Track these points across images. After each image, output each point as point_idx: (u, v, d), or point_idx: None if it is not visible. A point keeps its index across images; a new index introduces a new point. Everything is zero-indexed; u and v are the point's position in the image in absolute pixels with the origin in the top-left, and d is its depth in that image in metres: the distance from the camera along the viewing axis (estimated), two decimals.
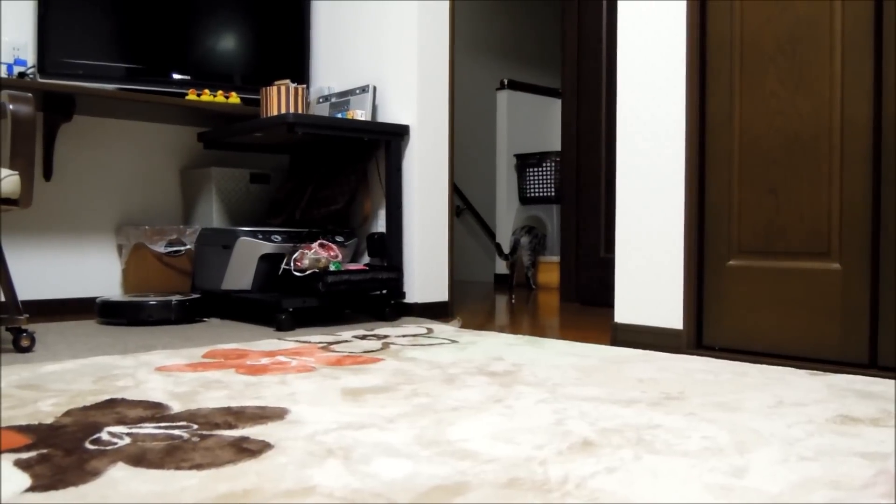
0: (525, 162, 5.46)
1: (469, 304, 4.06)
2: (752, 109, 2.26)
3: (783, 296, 2.19)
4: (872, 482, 1.05)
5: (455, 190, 5.13)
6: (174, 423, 1.41)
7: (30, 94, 2.25)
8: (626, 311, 2.55)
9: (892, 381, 1.86)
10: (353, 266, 3.17)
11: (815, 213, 2.13)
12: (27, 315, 2.45)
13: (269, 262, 3.14)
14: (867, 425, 1.43)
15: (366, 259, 3.47)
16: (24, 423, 1.41)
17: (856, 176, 2.05)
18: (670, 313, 2.43)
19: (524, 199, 5.52)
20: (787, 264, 2.19)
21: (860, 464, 1.18)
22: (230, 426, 1.39)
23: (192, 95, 3.36)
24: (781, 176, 2.19)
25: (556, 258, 4.86)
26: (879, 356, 2.01)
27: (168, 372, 1.95)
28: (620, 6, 2.55)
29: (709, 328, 2.36)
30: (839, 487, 1.07)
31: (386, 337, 2.64)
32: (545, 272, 5.11)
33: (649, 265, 2.48)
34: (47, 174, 3.30)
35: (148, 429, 1.37)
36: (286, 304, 2.89)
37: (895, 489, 0.96)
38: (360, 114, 3.27)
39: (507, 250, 5.31)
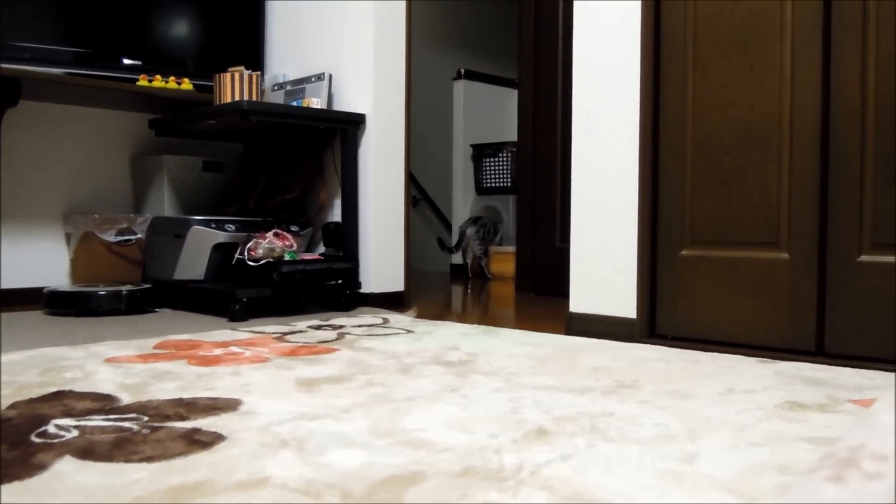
0: (481, 152, 5.47)
1: (425, 294, 4.06)
2: (705, 101, 2.29)
3: (734, 285, 2.22)
4: (819, 466, 1.07)
5: (411, 180, 5.12)
6: (124, 415, 1.39)
7: None
8: (581, 300, 2.58)
9: (838, 368, 1.91)
10: (308, 256, 3.15)
11: (765, 203, 2.16)
12: None
13: (222, 252, 3.11)
14: (814, 411, 1.46)
15: (321, 249, 3.45)
16: None
17: (804, 166, 2.08)
18: (624, 303, 2.46)
19: (480, 190, 5.53)
20: (739, 254, 2.22)
21: (807, 448, 1.21)
22: (181, 418, 1.37)
23: (143, 81, 3.29)
24: (733, 166, 2.22)
25: (512, 248, 4.88)
26: (826, 343, 2.05)
27: (118, 363, 1.92)
28: None
29: (662, 317, 2.39)
30: (787, 472, 1.09)
31: (341, 327, 2.63)
32: (501, 262, 5.13)
33: (604, 255, 2.50)
34: None
35: (96, 421, 1.34)
36: (240, 294, 2.86)
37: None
38: (316, 102, 3.25)
39: (454, 243, 5.30)
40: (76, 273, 3.36)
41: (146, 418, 1.37)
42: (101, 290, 2.99)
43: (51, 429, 1.29)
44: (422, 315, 3.07)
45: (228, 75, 3.16)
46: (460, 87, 5.65)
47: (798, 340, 2.10)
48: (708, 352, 2.16)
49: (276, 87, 3.53)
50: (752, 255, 2.19)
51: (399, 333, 2.48)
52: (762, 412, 1.45)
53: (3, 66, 3.02)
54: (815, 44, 2.06)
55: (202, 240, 3.09)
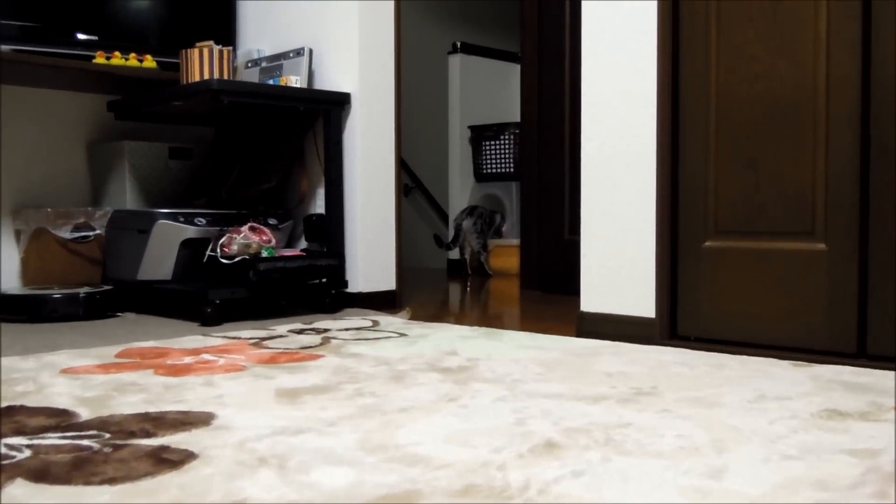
0: (481, 135, 5.46)
1: (419, 293, 4.06)
2: (730, 74, 2.28)
3: (764, 280, 2.22)
4: (861, 481, 1.07)
5: (403, 166, 5.11)
6: (83, 433, 1.38)
7: None
8: (593, 298, 2.58)
9: (882, 372, 1.91)
10: (288, 252, 3.15)
11: (798, 187, 2.16)
12: None
13: (191, 249, 3.10)
14: (855, 420, 1.46)
15: (303, 244, 3.45)
16: None
17: (842, 144, 2.08)
18: (641, 301, 2.46)
19: (480, 176, 5.53)
20: (769, 245, 2.22)
21: (848, 462, 1.21)
22: (148, 434, 1.37)
23: (100, 59, 3.28)
24: (762, 147, 2.22)
25: (516, 241, 4.88)
26: (868, 344, 2.05)
27: (76, 374, 1.91)
28: None
29: (684, 317, 2.39)
30: (826, 488, 1.09)
31: (326, 331, 2.63)
32: (503, 256, 5.13)
33: (618, 248, 2.50)
34: None
35: (52, 439, 1.34)
36: (212, 295, 2.85)
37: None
38: (295, 80, 3.24)
39: (450, 238, 5.29)
40: (27, 274, 3.36)
41: (108, 435, 1.36)
42: (56, 293, 2.98)
43: (1, 449, 1.29)
44: (416, 317, 3.07)
45: (196, 51, 3.15)
46: (456, 61, 5.64)
47: (837, 341, 2.10)
48: (736, 354, 2.17)
49: (250, 64, 3.52)
50: (785, 245, 2.19)
51: (391, 337, 2.48)
52: (797, 421, 1.45)
53: None
54: (854, 5, 2.05)
55: (169, 235, 3.09)
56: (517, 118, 4.74)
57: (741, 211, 2.27)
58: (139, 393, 1.71)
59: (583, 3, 2.57)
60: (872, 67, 2.03)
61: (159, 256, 3.12)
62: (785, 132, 2.18)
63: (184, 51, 3.19)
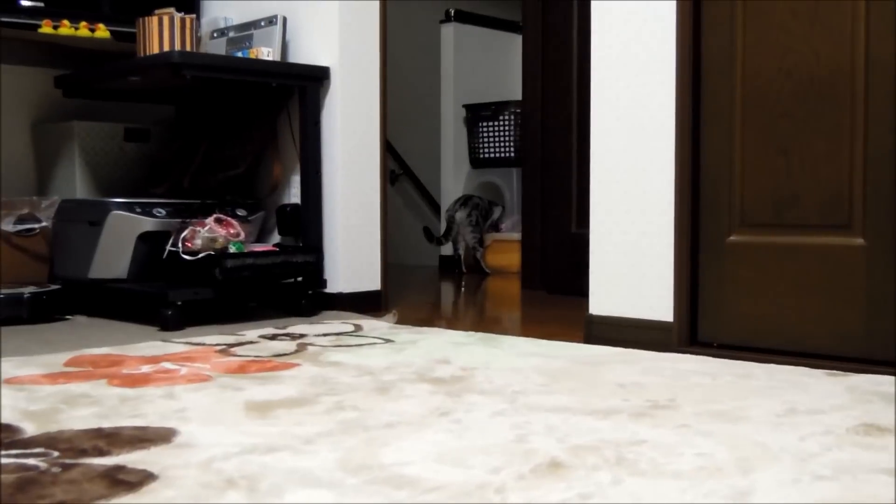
0: (477, 115, 5.46)
1: (408, 293, 4.06)
2: (757, 47, 2.29)
3: (796, 279, 2.23)
4: None
5: (389, 150, 5.11)
6: (28, 450, 1.38)
7: None
8: (603, 300, 2.58)
9: None
10: (259, 247, 3.14)
11: (834, 176, 2.17)
12: None
13: (150, 243, 3.10)
14: None
15: (276, 238, 3.44)
16: None
17: (883, 129, 2.09)
18: (658, 302, 2.47)
19: (476, 162, 5.53)
20: (801, 240, 2.23)
21: (887, 482, 1.21)
22: (101, 452, 1.37)
23: (46, 28, 3.27)
24: (793, 130, 2.23)
25: (517, 235, 4.88)
26: None
27: (20, 385, 1.91)
28: None
29: (705, 320, 2.40)
30: None
31: (302, 336, 2.63)
32: (502, 252, 5.13)
33: (632, 243, 2.51)
34: None
35: None
36: (173, 296, 2.85)
37: None
38: (267, 52, 3.23)
39: (442, 231, 5.29)
40: None
41: (56, 454, 1.36)
42: None
43: None
44: (403, 320, 3.07)
45: (155, 19, 3.14)
46: (450, 31, 5.64)
47: (876, 348, 2.11)
48: (763, 363, 2.17)
49: (215, 34, 3.52)
50: (819, 240, 2.20)
51: (375, 343, 2.48)
52: (831, 438, 1.46)
53: None
54: None
55: (124, 228, 3.08)
56: (518, 96, 4.75)
57: (769, 201, 2.28)
58: (91, 406, 1.70)
59: None
60: None
61: (113, 252, 3.12)
62: (820, 114, 2.19)
63: (141, 19, 3.18)
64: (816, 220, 2.20)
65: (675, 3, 2.40)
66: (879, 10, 2.09)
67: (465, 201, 5.13)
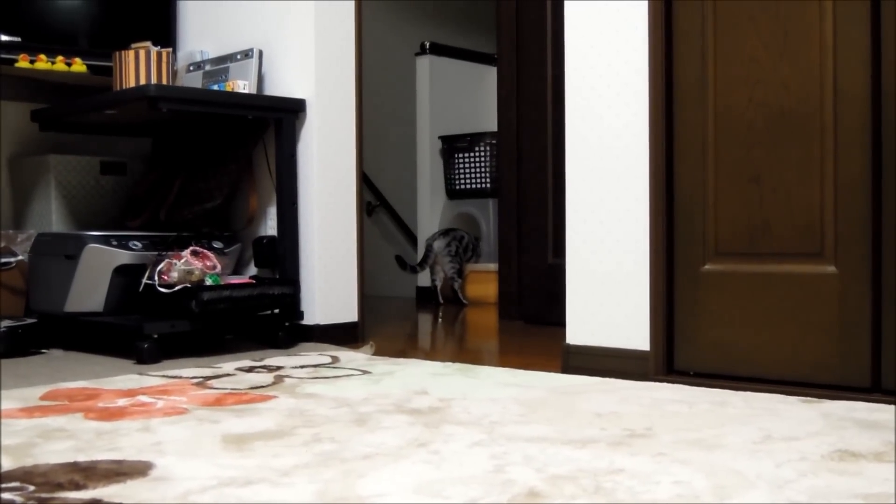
0: (453, 146, 5.48)
1: (385, 325, 4.06)
2: (729, 80, 2.32)
3: (770, 307, 2.25)
4: None
5: (365, 181, 5.12)
6: (3, 485, 1.37)
7: None
8: (580, 329, 2.59)
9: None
10: (236, 279, 3.13)
11: (805, 204, 2.19)
12: None
13: (126, 276, 3.08)
14: (870, 461, 1.48)
15: (252, 271, 3.44)
16: None
17: (852, 159, 2.12)
18: (634, 332, 2.47)
19: (452, 193, 5.54)
20: (774, 268, 2.25)
21: None
22: (77, 486, 1.36)
23: (23, 62, 3.27)
24: (765, 159, 2.25)
25: (494, 266, 4.89)
26: (884, 378, 2.08)
27: None
28: None
29: (681, 349, 2.41)
30: None
31: (279, 368, 2.62)
32: (479, 283, 5.13)
33: (608, 272, 2.52)
34: None
35: None
36: (149, 329, 2.84)
37: None
38: (243, 85, 3.24)
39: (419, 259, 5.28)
40: None
41: (32, 488, 1.35)
42: None
43: None
44: (380, 352, 3.07)
45: (132, 53, 3.15)
46: (425, 64, 5.67)
47: (849, 374, 2.13)
48: (739, 391, 2.19)
49: (192, 68, 3.52)
50: (791, 269, 2.22)
51: (352, 375, 2.48)
52: (807, 464, 1.47)
53: None
54: (863, 6, 2.10)
55: (100, 261, 3.07)
56: (493, 127, 4.76)
57: (743, 230, 2.30)
58: (67, 440, 1.69)
59: (566, 1, 2.60)
60: (884, 74, 2.07)
61: (89, 285, 3.10)
62: (790, 143, 2.22)
63: (117, 53, 3.18)
64: (789, 249, 2.22)
65: (647, 36, 2.43)
66: (847, 42, 2.12)
67: (445, 232, 5.12)
